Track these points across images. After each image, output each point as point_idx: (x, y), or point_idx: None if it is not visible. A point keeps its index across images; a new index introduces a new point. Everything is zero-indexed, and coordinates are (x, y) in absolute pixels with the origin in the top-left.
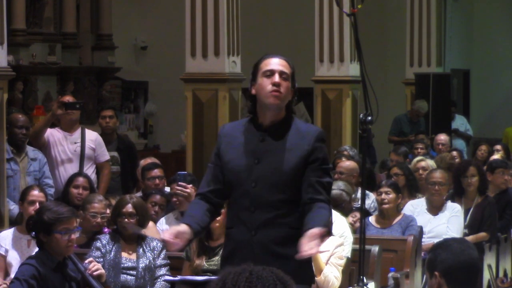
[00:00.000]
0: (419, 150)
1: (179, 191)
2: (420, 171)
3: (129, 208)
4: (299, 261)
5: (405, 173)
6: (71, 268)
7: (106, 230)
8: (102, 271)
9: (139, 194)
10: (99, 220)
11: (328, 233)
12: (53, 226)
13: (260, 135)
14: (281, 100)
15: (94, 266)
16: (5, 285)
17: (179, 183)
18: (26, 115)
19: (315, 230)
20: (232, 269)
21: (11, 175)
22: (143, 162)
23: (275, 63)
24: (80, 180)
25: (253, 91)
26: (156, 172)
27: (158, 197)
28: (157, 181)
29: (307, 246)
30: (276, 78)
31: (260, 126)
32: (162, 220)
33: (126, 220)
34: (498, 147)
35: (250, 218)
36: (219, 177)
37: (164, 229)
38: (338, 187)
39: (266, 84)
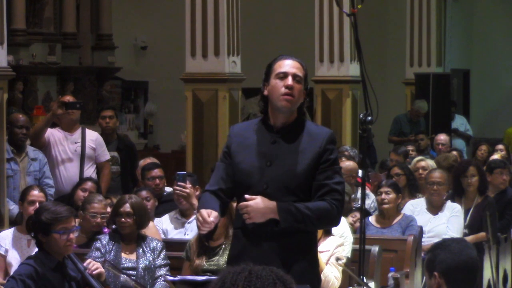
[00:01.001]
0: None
1: (178, 191)
2: (420, 171)
3: (126, 208)
4: (308, 263)
5: (405, 173)
6: (71, 267)
7: (106, 230)
8: (102, 270)
9: None
10: (99, 220)
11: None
12: (51, 226)
13: (272, 137)
14: (293, 104)
15: (93, 265)
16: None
17: (178, 183)
18: (26, 115)
19: (259, 201)
20: (231, 268)
21: (11, 175)
22: (143, 162)
23: (289, 65)
24: (89, 184)
25: (265, 92)
26: (156, 172)
27: (144, 192)
28: (157, 181)
29: (246, 205)
30: (289, 81)
31: (272, 128)
32: (163, 219)
33: (124, 220)
34: (501, 146)
35: None
36: (229, 176)
37: (164, 229)
38: None
39: (279, 87)
